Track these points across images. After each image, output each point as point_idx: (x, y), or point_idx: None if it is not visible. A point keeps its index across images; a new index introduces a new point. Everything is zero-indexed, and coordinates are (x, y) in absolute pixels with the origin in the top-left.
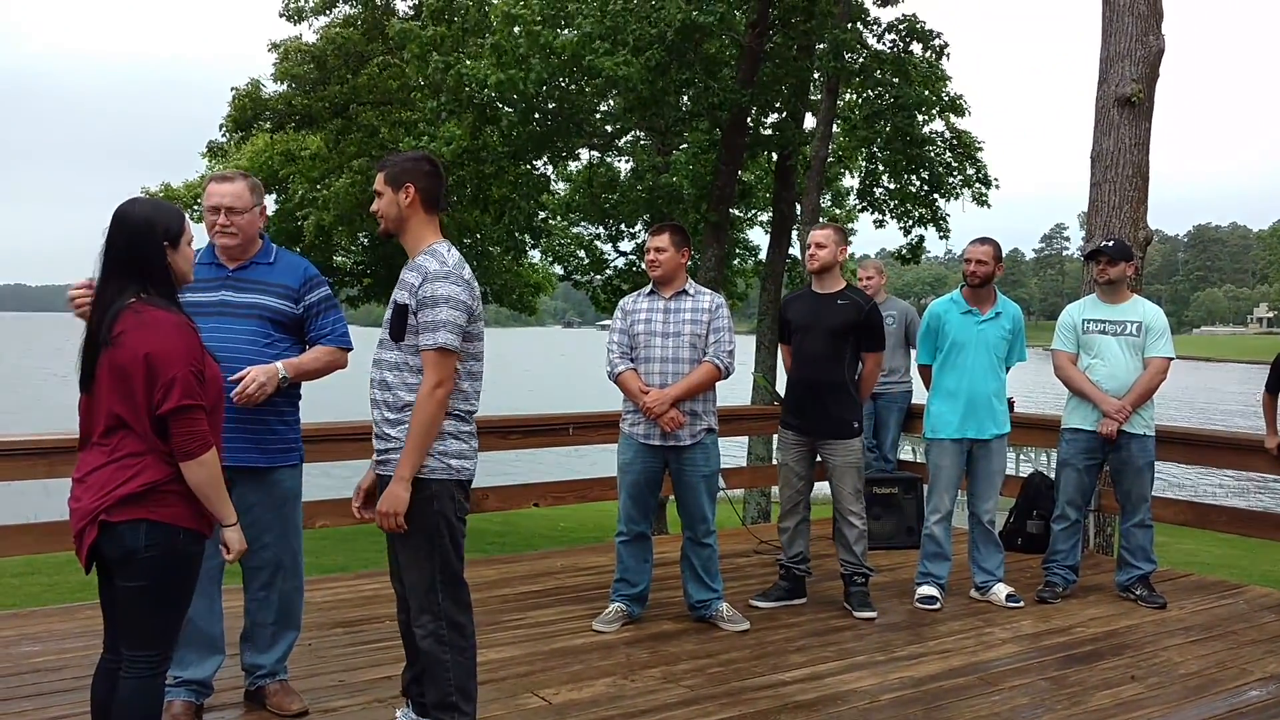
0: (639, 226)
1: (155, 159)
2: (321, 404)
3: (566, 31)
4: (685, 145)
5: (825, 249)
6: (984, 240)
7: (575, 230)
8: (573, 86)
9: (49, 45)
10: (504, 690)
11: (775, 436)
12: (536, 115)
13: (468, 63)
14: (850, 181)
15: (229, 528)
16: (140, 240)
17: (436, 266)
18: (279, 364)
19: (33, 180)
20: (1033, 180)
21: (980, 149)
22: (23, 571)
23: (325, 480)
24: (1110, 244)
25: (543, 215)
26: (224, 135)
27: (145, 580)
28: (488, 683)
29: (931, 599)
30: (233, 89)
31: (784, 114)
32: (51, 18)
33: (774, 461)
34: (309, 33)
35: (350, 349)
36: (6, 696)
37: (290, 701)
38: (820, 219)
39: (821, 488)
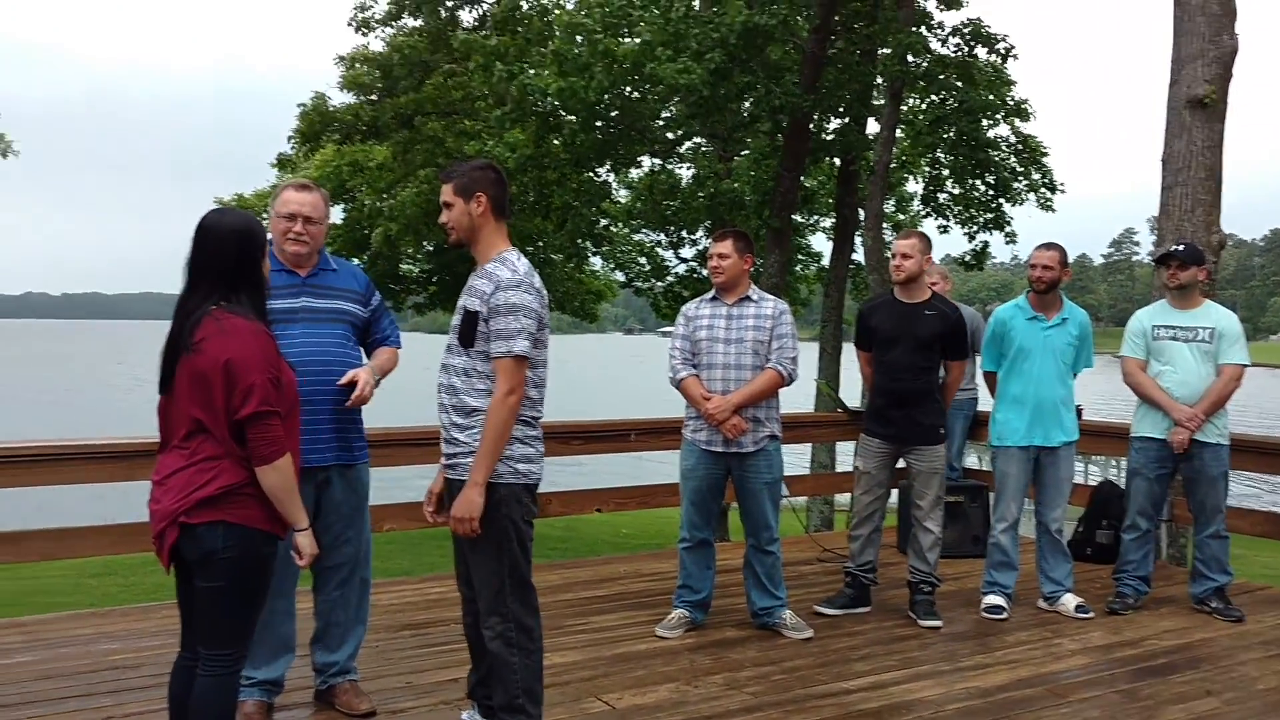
0: (700, 233)
1: (223, 171)
2: (383, 407)
3: (627, 40)
4: (747, 151)
5: (911, 259)
6: (1050, 245)
7: (636, 237)
8: (634, 94)
9: (124, 62)
10: (568, 694)
11: (846, 443)
12: (598, 123)
13: (531, 72)
14: (914, 187)
15: (301, 532)
16: (237, 249)
17: (508, 275)
18: (370, 366)
19: (108, 192)
20: (1101, 184)
21: (1046, 154)
22: (100, 572)
23: (391, 484)
24: (1181, 248)
25: (604, 222)
26: (292, 147)
27: (223, 580)
28: (552, 686)
29: (998, 609)
30: (300, 104)
31: (847, 119)
32: (127, 35)
33: (841, 468)
34: (376, 42)
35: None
36: (87, 692)
37: (359, 702)
38: (884, 225)
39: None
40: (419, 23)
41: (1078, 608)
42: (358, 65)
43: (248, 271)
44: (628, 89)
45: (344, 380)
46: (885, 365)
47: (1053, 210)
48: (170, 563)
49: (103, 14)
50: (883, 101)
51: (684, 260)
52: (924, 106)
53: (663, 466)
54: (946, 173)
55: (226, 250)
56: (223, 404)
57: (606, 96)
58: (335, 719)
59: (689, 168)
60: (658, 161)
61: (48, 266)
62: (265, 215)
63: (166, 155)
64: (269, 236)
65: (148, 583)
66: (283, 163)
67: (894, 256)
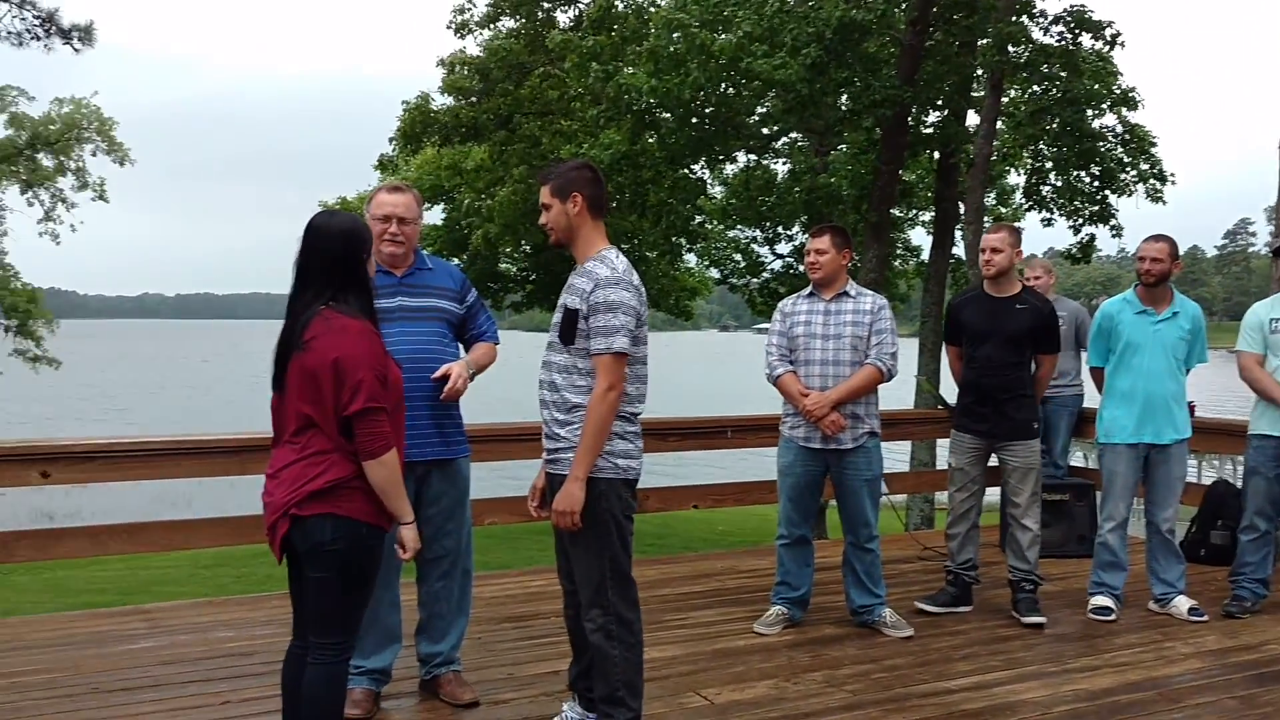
0: (796, 228)
1: (329, 174)
2: (483, 403)
3: (724, 36)
4: (844, 146)
5: (1001, 253)
6: (1159, 237)
7: (731, 233)
8: (730, 90)
9: (231, 69)
10: (667, 689)
11: (946, 440)
12: (693, 120)
13: (626, 71)
14: (1016, 179)
15: (405, 526)
16: (343, 249)
17: (607, 273)
18: (465, 360)
19: (220, 196)
20: (1214, 174)
21: (1154, 143)
22: (213, 563)
23: (495, 479)
24: None
25: (699, 219)
26: (393, 149)
27: (331, 571)
28: (651, 680)
29: (1106, 610)
30: (403, 102)
31: (946, 111)
32: (233, 44)
33: (941, 466)
34: (474, 46)
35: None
36: (206, 678)
37: (463, 692)
38: (985, 218)
39: (989, 494)
40: (516, 24)
41: (1191, 610)
42: (457, 68)
43: (354, 271)
44: (723, 85)
45: (438, 374)
46: (975, 361)
47: (1162, 201)
48: (282, 554)
49: (222, 25)
50: (982, 93)
51: (780, 256)
52: (1025, 97)
53: (760, 463)
54: (1049, 165)
55: (333, 251)
56: (331, 400)
57: (702, 93)
58: (439, 709)
59: (784, 163)
60: (753, 157)
61: (163, 269)
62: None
63: (276, 159)
64: None
65: (259, 573)
66: (384, 164)
67: (983, 251)
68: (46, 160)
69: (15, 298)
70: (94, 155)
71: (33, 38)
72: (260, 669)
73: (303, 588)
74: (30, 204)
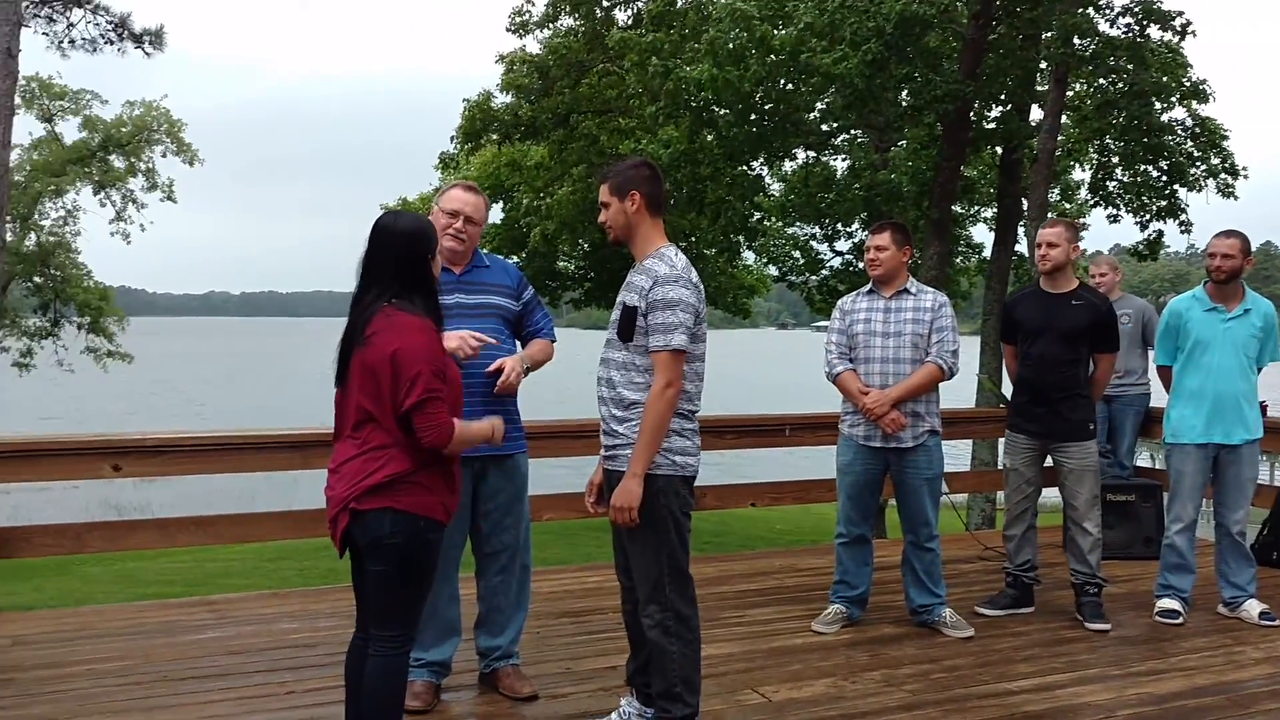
0: (856, 225)
1: (390, 175)
2: (540, 400)
3: (784, 30)
4: (904, 142)
5: (1057, 248)
6: (1230, 233)
7: (790, 231)
8: (789, 85)
9: (305, 73)
10: (724, 686)
11: (1001, 440)
12: (752, 116)
13: (685, 68)
14: (1080, 175)
15: (492, 423)
16: (408, 249)
17: (666, 270)
18: (519, 355)
19: (283, 196)
20: None
21: (1226, 136)
22: (276, 556)
23: (552, 476)
24: None
25: (758, 216)
26: (455, 146)
27: (390, 564)
28: (708, 677)
29: (1173, 613)
30: (464, 100)
31: (1009, 106)
32: (295, 47)
33: (1000, 466)
34: (533, 44)
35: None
36: (270, 668)
37: (522, 685)
38: (1049, 214)
39: (1050, 494)
40: (575, 23)
41: (1262, 614)
42: (516, 66)
43: (418, 271)
44: (782, 80)
45: (491, 368)
46: (1030, 358)
47: (1234, 196)
48: (343, 547)
49: (284, 29)
50: (1046, 87)
51: (839, 253)
52: (1091, 91)
53: (818, 462)
54: (1116, 159)
55: (398, 250)
56: (390, 395)
57: (761, 88)
58: (498, 702)
59: (844, 159)
60: (812, 154)
61: (228, 267)
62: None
63: (339, 159)
64: None
65: (321, 567)
66: (445, 163)
67: (1039, 246)
68: (118, 161)
69: (88, 295)
70: (164, 156)
71: (106, 42)
72: (323, 660)
73: (364, 581)
74: (102, 204)
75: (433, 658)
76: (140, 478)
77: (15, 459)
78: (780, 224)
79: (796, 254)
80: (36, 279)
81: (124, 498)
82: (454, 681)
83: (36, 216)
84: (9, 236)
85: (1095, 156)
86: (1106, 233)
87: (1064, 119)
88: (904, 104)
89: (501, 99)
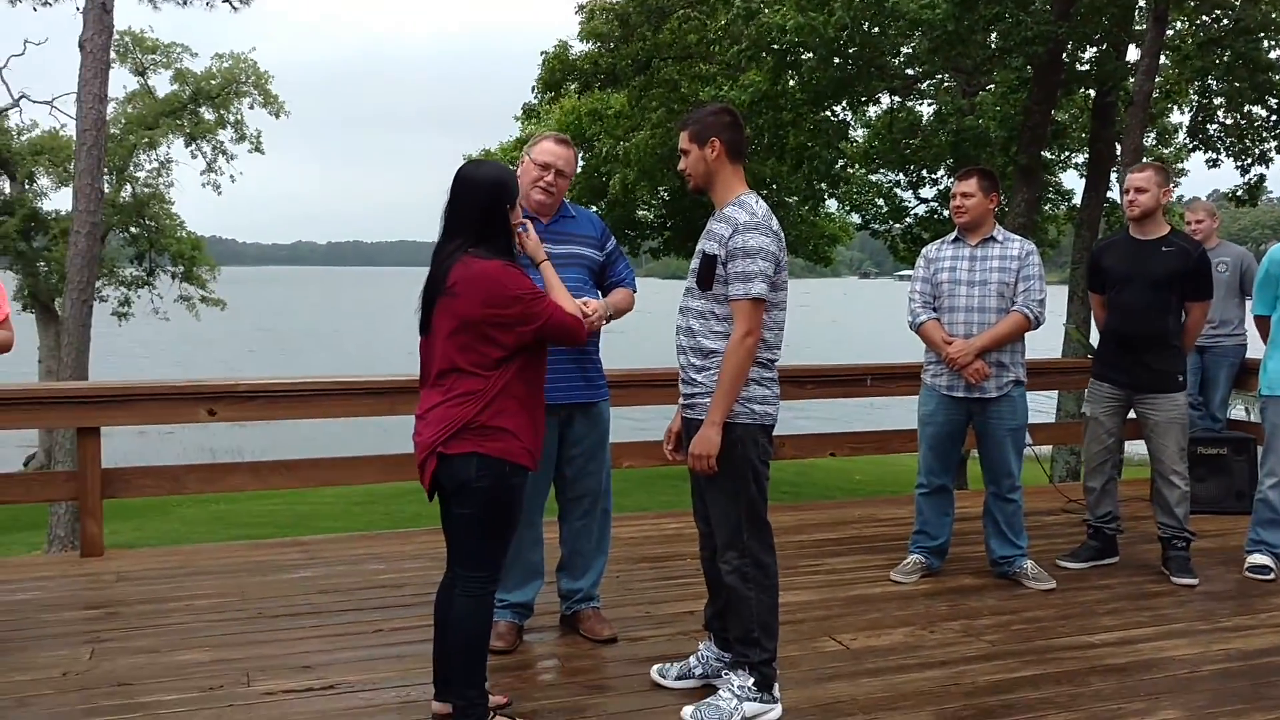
0: (941, 172)
1: (472, 125)
2: (619, 350)
3: None
4: (992, 86)
5: (1146, 193)
6: None
7: (874, 178)
8: (874, 29)
9: (392, 27)
10: (801, 633)
11: (1087, 391)
12: (836, 60)
13: (767, 11)
14: (1178, 117)
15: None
16: (489, 198)
17: (746, 218)
18: (604, 301)
19: (368, 147)
20: None
21: None
22: (363, 500)
23: (631, 424)
24: None
25: (841, 163)
26: (535, 97)
27: (476, 508)
28: (785, 624)
29: (1264, 569)
30: (543, 52)
31: (1104, 46)
32: (380, 5)
33: (1082, 415)
34: None
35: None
36: (359, 607)
37: (602, 628)
38: (1144, 159)
39: (1137, 447)
40: None
41: None
42: (596, 15)
43: (499, 220)
44: (867, 24)
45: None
46: (1117, 307)
47: None
48: (432, 490)
49: None
50: (1144, 26)
51: (924, 201)
52: (1192, 29)
53: (899, 413)
54: (1218, 100)
55: (480, 199)
56: (493, 336)
57: (845, 32)
58: (579, 643)
59: (930, 104)
60: (897, 99)
61: (315, 218)
62: (514, 165)
63: (422, 111)
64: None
65: (408, 511)
66: (528, 113)
67: (1127, 192)
68: (208, 114)
69: (181, 246)
70: (251, 108)
71: None
72: (410, 600)
73: (451, 523)
74: (194, 156)
75: (516, 599)
76: (233, 422)
77: (116, 403)
78: (864, 171)
79: (880, 201)
80: (132, 230)
81: (217, 442)
82: (536, 623)
83: (131, 168)
84: (106, 188)
85: (1195, 98)
86: (1205, 178)
87: (1162, 59)
88: (993, 46)
89: (580, 48)
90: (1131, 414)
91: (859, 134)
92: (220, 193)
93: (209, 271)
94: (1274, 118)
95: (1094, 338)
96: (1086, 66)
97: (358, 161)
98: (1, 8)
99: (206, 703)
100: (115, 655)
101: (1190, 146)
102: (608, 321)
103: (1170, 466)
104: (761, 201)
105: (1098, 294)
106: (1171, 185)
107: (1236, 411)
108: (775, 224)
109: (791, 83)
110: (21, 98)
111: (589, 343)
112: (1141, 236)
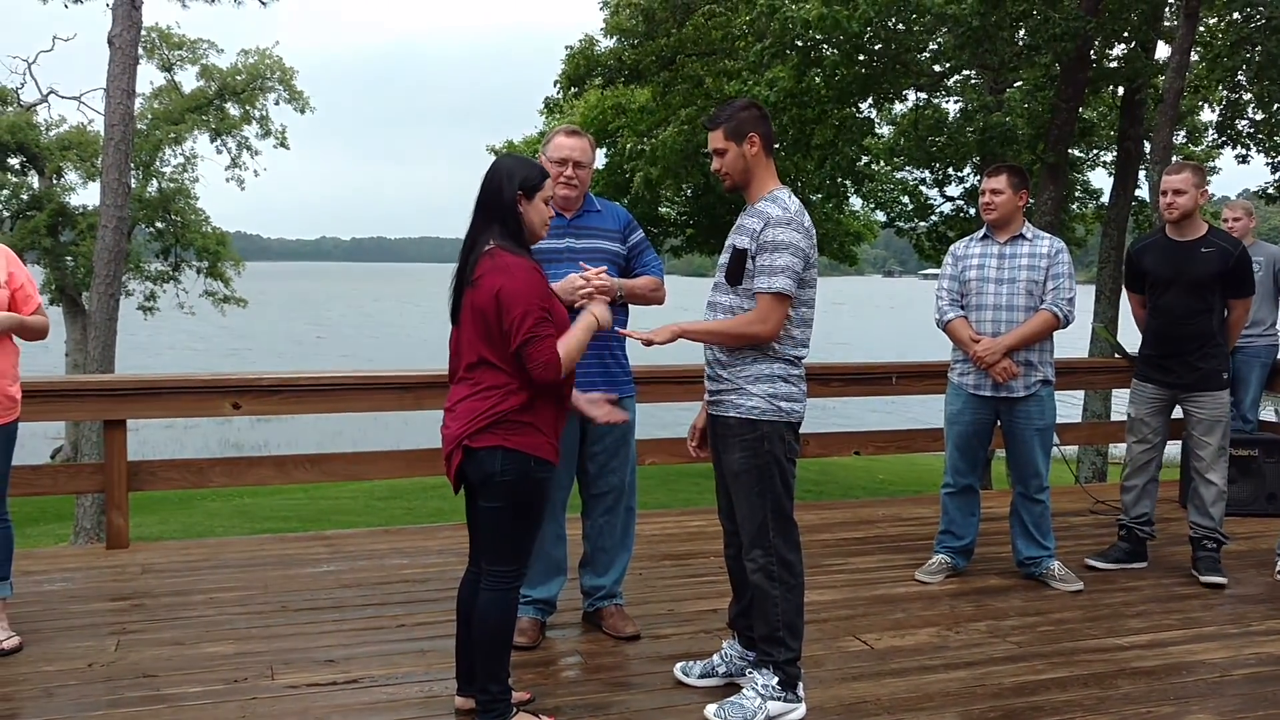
0: (968, 169)
1: (495, 122)
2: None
3: None
4: (1020, 82)
5: (1184, 194)
6: None
7: (899, 175)
8: (899, 25)
9: (420, 25)
10: (825, 632)
11: (1122, 391)
12: (861, 56)
13: (792, 6)
14: (1208, 115)
15: (591, 313)
16: (497, 189)
17: (779, 212)
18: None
19: (392, 144)
20: None
21: None
22: (386, 495)
23: (654, 420)
24: None
25: (865, 160)
26: (559, 91)
27: (501, 501)
28: (810, 623)
29: None
30: (567, 46)
31: (1133, 44)
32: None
33: (1117, 417)
34: None
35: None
36: (383, 601)
37: (625, 625)
38: (1173, 158)
39: (1169, 446)
40: None
41: None
42: (620, 10)
43: (508, 211)
44: (892, 20)
45: (591, 271)
46: (1159, 309)
47: None
48: (458, 483)
49: None
50: (1175, 23)
51: (949, 198)
52: (1224, 26)
53: (925, 412)
54: (1248, 98)
55: (493, 189)
56: (498, 334)
57: (869, 28)
58: (602, 640)
59: (956, 101)
60: (923, 95)
61: (339, 214)
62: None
63: (445, 108)
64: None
65: (430, 507)
66: (550, 107)
67: (1164, 194)
68: (233, 109)
69: (206, 241)
70: (276, 104)
71: None
72: (433, 595)
73: (476, 517)
74: (219, 151)
75: (539, 595)
76: (257, 416)
77: (142, 396)
78: (889, 168)
79: (905, 199)
80: (158, 224)
81: (241, 437)
82: (559, 619)
83: (157, 164)
84: (133, 183)
85: (1225, 96)
86: (1236, 175)
87: (1193, 56)
88: (1020, 43)
89: (605, 43)
90: (1177, 412)
91: (884, 131)
92: (244, 188)
93: (234, 266)
94: None
95: (1123, 335)
96: (1115, 64)
97: (383, 157)
98: (32, 4)
99: (230, 695)
100: (140, 647)
101: (1220, 142)
102: (619, 300)
103: (1209, 465)
104: (794, 197)
105: (1137, 295)
106: (1207, 184)
107: (1267, 413)
108: (808, 220)
109: (816, 79)
110: (50, 93)
111: (613, 339)
112: (1179, 238)
